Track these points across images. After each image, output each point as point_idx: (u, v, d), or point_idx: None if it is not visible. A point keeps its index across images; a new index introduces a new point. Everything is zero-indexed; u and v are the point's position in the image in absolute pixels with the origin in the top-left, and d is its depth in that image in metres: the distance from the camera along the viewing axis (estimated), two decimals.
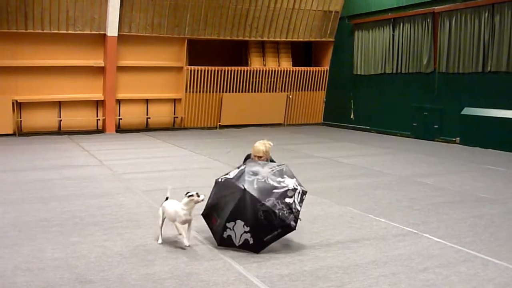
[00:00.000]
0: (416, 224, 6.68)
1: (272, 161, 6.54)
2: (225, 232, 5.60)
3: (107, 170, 10.68)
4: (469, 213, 7.25)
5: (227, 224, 5.57)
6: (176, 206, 5.71)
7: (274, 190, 5.59)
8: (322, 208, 7.51)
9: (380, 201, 7.92)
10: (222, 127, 19.48)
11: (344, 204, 7.68)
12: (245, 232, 5.52)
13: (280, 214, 5.48)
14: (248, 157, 6.70)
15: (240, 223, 5.52)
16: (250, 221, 5.49)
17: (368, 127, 18.53)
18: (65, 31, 16.81)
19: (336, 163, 11.34)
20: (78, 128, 17.70)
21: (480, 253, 5.54)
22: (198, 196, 5.59)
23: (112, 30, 17.12)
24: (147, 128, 18.77)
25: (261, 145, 6.54)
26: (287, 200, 5.58)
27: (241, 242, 5.55)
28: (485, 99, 14.41)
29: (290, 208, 5.54)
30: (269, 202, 5.49)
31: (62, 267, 5.07)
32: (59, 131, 17.44)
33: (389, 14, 17.64)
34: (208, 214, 5.89)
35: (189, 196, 5.58)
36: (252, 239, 5.51)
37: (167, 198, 5.97)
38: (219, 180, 5.96)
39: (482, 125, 14.26)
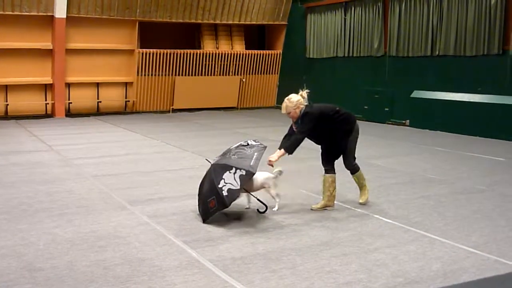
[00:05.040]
0: (367, 205, 6.80)
1: (304, 114, 6.41)
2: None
3: (56, 155, 10.44)
4: (418, 194, 7.42)
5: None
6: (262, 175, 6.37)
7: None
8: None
9: None
10: (175, 110, 19.28)
11: (297, 187, 7.74)
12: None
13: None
14: None
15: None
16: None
17: None
18: (10, 12, 16.21)
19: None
20: (26, 112, 17.19)
21: (428, 233, 5.69)
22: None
23: (60, 11, 16.63)
24: (98, 112, 18.40)
25: (285, 101, 6.47)
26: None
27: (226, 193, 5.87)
28: (434, 82, 14.73)
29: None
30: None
31: (10, 255, 4.94)
32: (5, 116, 16.90)
33: None
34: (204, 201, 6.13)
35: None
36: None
37: None
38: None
39: (431, 107, 14.60)
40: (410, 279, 4.45)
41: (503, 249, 5.18)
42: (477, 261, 4.88)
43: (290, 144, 6.45)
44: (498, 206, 6.80)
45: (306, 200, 7.06)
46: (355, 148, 6.77)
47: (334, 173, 6.66)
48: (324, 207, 6.63)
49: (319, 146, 6.82)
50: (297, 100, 6.44)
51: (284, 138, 6.71)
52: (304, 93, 6.55)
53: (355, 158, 6.79)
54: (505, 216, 6.35)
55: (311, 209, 6.60)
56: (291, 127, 6.70)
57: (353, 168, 6.79)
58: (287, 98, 6.49)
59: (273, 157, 6.40)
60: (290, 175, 8.42)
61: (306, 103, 6.52)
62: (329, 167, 6.64)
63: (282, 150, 6.43)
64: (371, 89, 16.67)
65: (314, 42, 19.07)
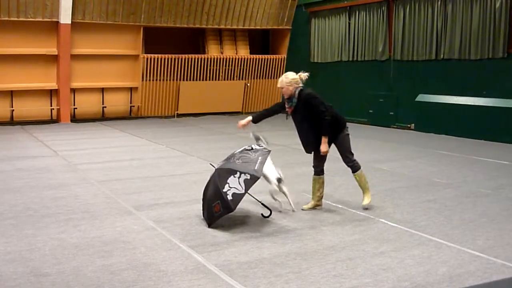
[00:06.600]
0: (372, 209, 6.79)
1: (300, 95, 6.54)
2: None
3: (62, 160, 10.47)
4: (424, 198, 7.41)
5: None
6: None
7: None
8: (280, 195, 7.54)
9: (337, 188, 8.02)
10: (180, 115, 19.33)
11: (301, 191, 7.73)
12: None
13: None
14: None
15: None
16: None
17: None
18: (16, 18, 16.29)
19: (293, 150, 11.39)
20: (32, 118, 17.26)
21: (433, 237, 5.67)
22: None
23: (65, 17, 16.70)
24: (103, 117, 18.46)
25: (283, 76, 6.67)
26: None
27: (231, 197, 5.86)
28: (438, 86, 14.72)
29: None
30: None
31: (16, 260, 4.95)
32: (11, 122, 16.97)
33: (345, 2, 17.78)
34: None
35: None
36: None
37: None
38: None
39: (436, 111, 14.58)
40: (416, 283, 4.45)
41: (509, 253, 5.17)
42: (483, 265, 4.87)
43: (325, 129, 6.56)
44: (504, 210, 6.78)
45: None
46: (349, 145, 6.88)
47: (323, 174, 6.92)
48: (314, 207, 6.83)
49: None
50: (292, 78, 6.61)
51: (264, 110, 7.15)
52: (304, 75, 6.63)
53: (352, 154, 6.86)
54: (511, 220, 6.33)
55: (302, 209, 6.76)
56: (277, 104, 7.07)
57: (352, 165, 6.82)
58: (284, 74, 6.72)
59: (325, 146, 6.61)
60: (294, 179, 8.44)
61: (301, 85, 6.63)
62: (322, 167, 6.89)
63: (324, 138, 6.56)
64: (376, 93, 16.67)
65: (318, 47, 19.09)
